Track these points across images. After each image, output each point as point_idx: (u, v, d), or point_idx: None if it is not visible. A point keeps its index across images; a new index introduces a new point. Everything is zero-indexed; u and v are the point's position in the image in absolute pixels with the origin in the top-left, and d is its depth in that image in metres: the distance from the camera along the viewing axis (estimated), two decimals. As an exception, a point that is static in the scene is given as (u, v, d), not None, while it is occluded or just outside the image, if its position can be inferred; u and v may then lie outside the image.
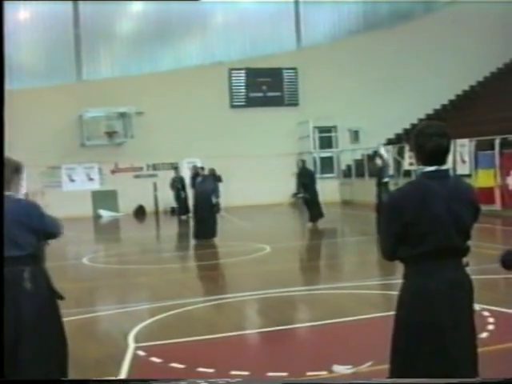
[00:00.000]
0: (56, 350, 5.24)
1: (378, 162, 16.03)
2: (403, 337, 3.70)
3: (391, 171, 20.64)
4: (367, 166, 27.07)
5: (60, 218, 5.44)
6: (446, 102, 32.28)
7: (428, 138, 3.66)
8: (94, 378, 5.28)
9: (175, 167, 26.81)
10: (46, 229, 5.22)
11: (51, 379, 5.14)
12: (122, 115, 28.42)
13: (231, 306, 9.03)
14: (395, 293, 3.90)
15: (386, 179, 15.50)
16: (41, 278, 5.23)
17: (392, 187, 6.24)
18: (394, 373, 3.75)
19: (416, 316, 3.63)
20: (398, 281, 3.86)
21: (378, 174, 15.86)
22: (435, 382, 3.58)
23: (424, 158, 3.70)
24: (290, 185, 30.46)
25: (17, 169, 5.13)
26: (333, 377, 5.65)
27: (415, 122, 29.09)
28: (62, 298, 5.43)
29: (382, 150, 16.98)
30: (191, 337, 7.27)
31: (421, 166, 3.73)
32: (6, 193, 4.96)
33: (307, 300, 9.50)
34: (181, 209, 25.06)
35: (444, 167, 3.69)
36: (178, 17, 29.86)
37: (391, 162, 25.66)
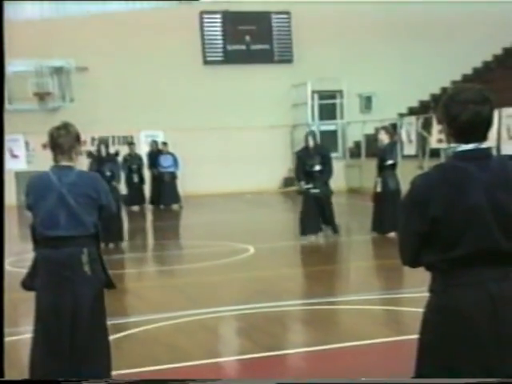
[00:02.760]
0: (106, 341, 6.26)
1: (384, 137, 16.26)
2: (430, 368, 3.72)
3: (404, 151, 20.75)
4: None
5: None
6: (489, 58, 32.43)
7: (462, 107, 3.65)
8: (90, 378, 5.74)
9: (129, 142, 26.76)
10: (110, 206, 6.20)
11: (51, 379, 5.76)
12: (58, 71, 28.34)
13: (203, 325, 9.07)
14: (419, 310, 3.94)
15: (390, 161, 15.78)
16: (98, 260, 6.10)
17: (417, 172, 6.36)
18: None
19: (446, 340, 3.64)
20: (423, 294, 3.90)
21: (381, 154, 16.13)
22: (439, 382, 3.63)
23: (457, 133, 3.69)
24: (280, 166, 30.63)
25: (78, 137, 6.07)
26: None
27: (447, 85, 29.23)
28: (114, 286, 6.35)
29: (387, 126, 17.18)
30: (149, 366, 7.32)
31: (453, 144, 3.73)
32: (66, 163, 6.01)
33: (303, 317, 9.57)
34: (132, 197, 25.00)
35: (484, 145, 3.70)
36: None
37: (406, 139, 25.85)
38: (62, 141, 6.01)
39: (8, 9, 28.65)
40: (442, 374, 3.66)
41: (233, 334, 8.99)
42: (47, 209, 5.98)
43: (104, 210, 6.13)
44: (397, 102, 29.52)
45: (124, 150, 25.59)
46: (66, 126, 6.10)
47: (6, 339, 8.48)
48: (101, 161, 16.36)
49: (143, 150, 26.88)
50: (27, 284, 6.31)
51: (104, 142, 17.59)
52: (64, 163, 6.06)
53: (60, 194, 5.93)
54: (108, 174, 15.78)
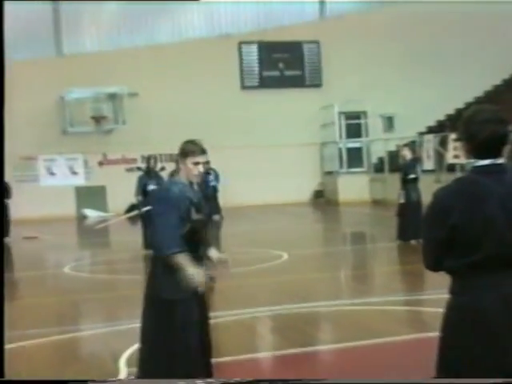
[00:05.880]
0: None
1: (406, 154, 16.24)
2: (450, 363, 3.68)
3: (423, 167, 20.67)
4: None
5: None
6: (499, 81, 32.15)
7: (480, 126, 3.64)
8: (93, 379, 5.64)
9: (176, 159, 26.81)
10: None
11: (51, 379, 5.77)
12: (112, 97, 28.53)
13: (241, 324, 9.04)
14: (438, 310, 3.88)
15: (412, 175, 15.70)
16: None
17: (435, 185, 6.32)
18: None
19: (465, 339, 3.60)
20: (442, 296, 3.85)
21: (404, 169, 16.07)
22: (440, 381, 3.58)
23: (476, 149, 3.67)
24: (311, 180, 30.57)
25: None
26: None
27: (461, 106, 29.03)
28: None
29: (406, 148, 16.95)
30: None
31: (471, 160, 3.71)
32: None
33: (332, 317, 9.49)
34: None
35: (500, 160, 3.67)
36: (178, -20, 29.92)
37: (427, 156, 25.68)
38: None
39: (71, 43, 29.07)
40: (461, 367, 3.61)
41: (268, 332, 8.94)
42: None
43: None
44: (416, 121, 29.35)
45: (170, 167, 25.62)
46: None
47: (67, 335, 8.57)
48: (149, 176, 16.41)
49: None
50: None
51: (153, 160, 17.52)
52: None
53: None
54: (155, 187, 15.73)
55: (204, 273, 5.81)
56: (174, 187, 5.79)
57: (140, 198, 16.51)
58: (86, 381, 5.28)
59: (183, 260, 5.57)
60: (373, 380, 4.48)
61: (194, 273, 5.57)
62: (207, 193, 25.39)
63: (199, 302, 5.76)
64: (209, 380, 5.14)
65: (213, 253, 6.07)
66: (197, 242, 5.75)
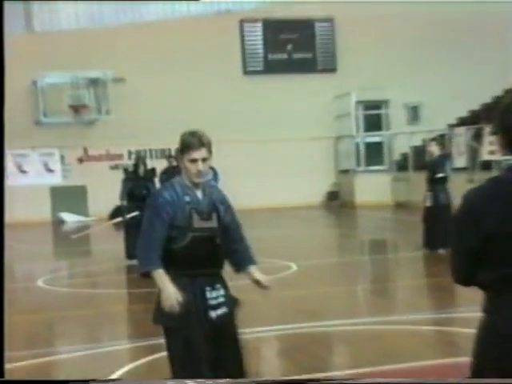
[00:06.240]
0: None
1: (434, 149, 16.31)
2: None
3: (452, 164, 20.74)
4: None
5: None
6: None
7: (519, 116, 3.64)
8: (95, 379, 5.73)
9: (169, 155, 26.84)
10: None
11: (51, 379, 6.06)
12: (94, 82, 28.57)
13: (244, 345, 9.03)
14: (471, 330, 3.88)
15: (440, 174, 15.71)
16: None
17: (467, 186, 6.33)
18: None
19: (501, 364, 3.59)
20: (475, 314, 3.85)
21: (431, 166, 16.10)
22: (440, 382, 3.59)
23: (513, 144, 3.68)
24: (323, 180, 30.57)
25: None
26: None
27: (499, 93, 29.00)
28: None
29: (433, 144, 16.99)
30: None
31: (508, 156, 3.70)
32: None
33: (348, 338, 9.50)
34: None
35: (541, 157, 3.68)
36: None
37: (458, 152, 25.70)
38: None
39: (44, 19, 29.02)
40: None
41: (273, 354, 8.96)
42: None
43: None
44: (446, 112, 29.33)
45: (161, 164, 25.68)
46: None
47: (40, 360, 8.57)
48: (137, 178, 16.36)
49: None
50: None
51: (142, 159, 17.52)
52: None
53: None
54: (144, 192, 15.72)
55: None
56: (165, 192, 5.57)
57: (125, 203, 16.51)
58: (87, 381, 5.39)
59: (160, 278, 5.39)
60: (373, 380, 4.49)
61: (167, 295, 5.38)
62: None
63: (216, 333, 5.60)
64: (199, 380, 5.19)
65: (254, 271, 5.99)
66: (206, 255, 5.51)
